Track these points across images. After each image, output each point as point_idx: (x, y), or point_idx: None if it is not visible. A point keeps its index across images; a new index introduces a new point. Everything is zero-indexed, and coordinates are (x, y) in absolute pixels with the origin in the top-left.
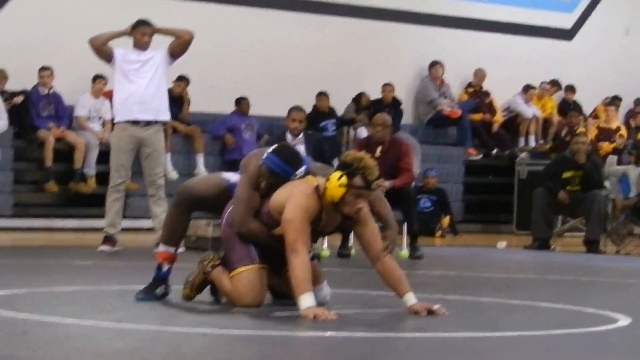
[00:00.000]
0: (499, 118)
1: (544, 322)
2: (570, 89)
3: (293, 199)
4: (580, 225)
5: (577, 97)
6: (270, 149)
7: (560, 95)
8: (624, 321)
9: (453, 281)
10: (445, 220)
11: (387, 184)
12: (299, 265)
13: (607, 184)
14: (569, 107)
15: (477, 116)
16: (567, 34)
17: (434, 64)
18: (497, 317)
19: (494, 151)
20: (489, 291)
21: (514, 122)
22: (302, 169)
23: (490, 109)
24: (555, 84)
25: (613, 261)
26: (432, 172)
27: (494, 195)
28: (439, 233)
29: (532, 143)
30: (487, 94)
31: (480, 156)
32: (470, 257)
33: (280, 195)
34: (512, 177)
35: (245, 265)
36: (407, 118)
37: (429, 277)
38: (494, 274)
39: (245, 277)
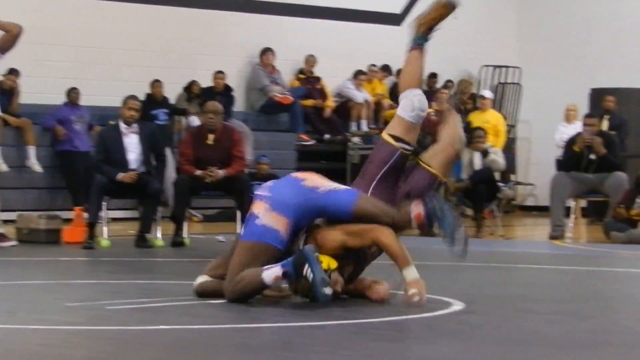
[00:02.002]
0: (331, 103)
1: (378, 308)
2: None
3: None
4: None
5: None
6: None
7: (391, 79)
8: (457, 306)
9: None
10: None
11: (221, 172)
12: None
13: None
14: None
15: (309, 102)
16: (396, 19)
17: (264, 51)
18: (334, 305)
19: (326, 136)
20: None
21: (345, 107)
22: None
23: (322, 94)
24: (386, 68)
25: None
26: (264, 158)
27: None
28: None
29: (364, 127)
30: (318, 79)
31: (312, 142)
32: None
33: None
34: (344, 162)
35: None
36: (238, 105)
37: None
38: None
39: None
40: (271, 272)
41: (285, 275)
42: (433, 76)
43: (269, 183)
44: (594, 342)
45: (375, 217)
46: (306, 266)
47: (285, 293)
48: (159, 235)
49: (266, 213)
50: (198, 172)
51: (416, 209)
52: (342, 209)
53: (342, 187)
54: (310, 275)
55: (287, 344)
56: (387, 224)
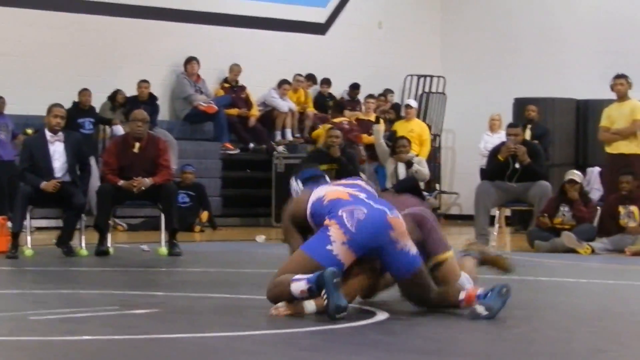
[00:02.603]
0: (255, 112)
1: (304, 319)
2: (326, 82)
3: None
4: None
5: (333, 90)
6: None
7: (315, 89)
8: (380, 315)
9: (213, 278)
10: (204, 215)
11: (147, 181)
12: None
13: (362, 175)
14: (324, 100)
15: (234, 111)
16: (321, 28)
17: (189, 60)
18: (256, 315)
19: (251, 145)
20: (250, 288)
21: (270, 116)
22: None
23: (247, 103)
24: (310, 77)
25: None
26: (189, 167)
27: (252, 189)
28: (198, 228)
29: (289, 136)
30: (242, 88)
31: (237, 151)
32: (230, 253)
33: None
34: (269, 171)
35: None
36: (163, 114)
37: (189, 275)
38: (254, 269)
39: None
40: (299, 286)
41: (309, 290)
42: (355, 87)
43: (361, 209)
44: (517, 351)
45: (426, 288)
46: (324, 290)
47: (297, 310)
48: (83, 244)
49: (341, 246)
50: (121, 183)
51: (471, 290)
52: (403, 270)
53: (415, 249)
54: (325, 301)
55: (206, 354)
56: (432, 299)
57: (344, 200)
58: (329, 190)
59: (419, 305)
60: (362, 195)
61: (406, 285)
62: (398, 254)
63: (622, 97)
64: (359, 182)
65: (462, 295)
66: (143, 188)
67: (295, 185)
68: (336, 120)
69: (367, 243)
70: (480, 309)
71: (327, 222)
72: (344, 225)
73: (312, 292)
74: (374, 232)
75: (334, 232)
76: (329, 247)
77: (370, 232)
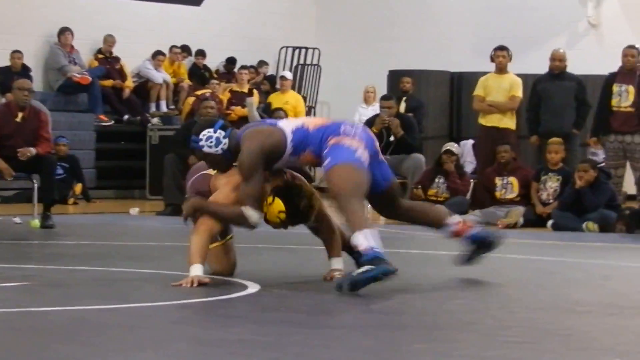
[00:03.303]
0: (130, 84)
1: (175, 292)
2: (201, 53)
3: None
4: None
5: (208, 62)
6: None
7: (190, 60)
8: (252, 288)
9: (86, 251)
10: (78, 188)
11: (33, 150)
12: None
13: None
14: (199, 71)
15: (108, 82)
16: (195, 0)
17: (63, 31)
18: (129, 287)
19: (126, 117)
20: (122, 261)
21: (144, 87)
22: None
23: (121, 75)
24: (185, 49)
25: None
26: (62, 139)
27: (126, 161)
28: (71, 200)
29: (163, 108)
30: (117, 59)
31: (111, 122)
32: (103, 225)
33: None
34: (144, 143)
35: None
36: (36, 85)
37: (62, 247)
38: (127, 242)
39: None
40: (366, 241)
41: (363, 256)
42: (231, 61)
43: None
44: (387, 323)
45: (399, 199)
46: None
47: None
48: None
49: (364, 152)
50: None
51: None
52: (383, 180)
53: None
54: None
55: (76, 326)
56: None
57: (330, 123)
58: (305, 120)
59: (390, 217)
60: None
61: (382, 197)
62: (380, 163)
63: (502, 69)
64: None
65: (452, 223)
66: (28, 155)
67: (217, 134)
68: (198, 92)
69: (370, 150)
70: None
71: (334, 140)
72: (356, 134)
73: (361, 258)
74: (372, 140)
75: (351, 142)
76: (357, 154)
77: (370, 139)
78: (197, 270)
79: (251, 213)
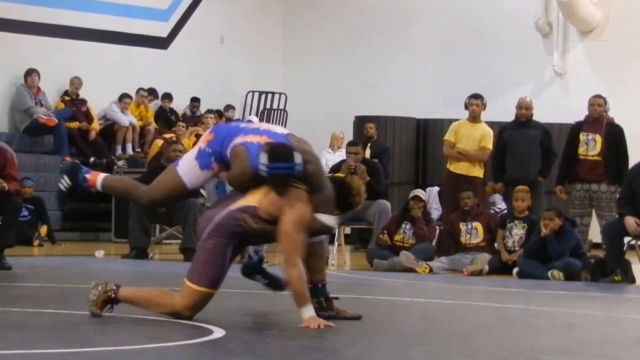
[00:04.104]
0: (96, 126)
1: (139, 335)
2: (167, 97)
3: (291, 209)
4: (176, 233)
5: (174, 105)
6: (261, 158)
7: (156, 103)
8: (217, 333)
9: (49, 293)
10: (43, 229)
11: (5, 185)
12: (297, 278)
13: (203, 192)
14: (165, 115)
15: (74, 124)
16: (162, 43)
17: (29, 72)
18: (92, 331)
19: (92, 159)
20: (84, 304)
21: (111, 130)
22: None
23: (87, 117)
24: (152, 92)
25: None
26: (28, 181)
27: (92, 204)
28: (36, 242)
29: (129, 151)
30: (83, 102)
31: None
32: (68, 268)
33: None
34: None
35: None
36: (2, 126)
37: (25, 289)
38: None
39: (201, 298)
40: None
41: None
42: (195, 100)
43: None
44: None
45: None
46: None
47: None
48: None
49: None
50: None
51: None
52: None
53: None
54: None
55: None
56: None
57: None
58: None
59: None
60: None
61: None
62: None
63: (476, 117)
64: None
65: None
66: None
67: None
68: (167, 135)
69: None
70: None
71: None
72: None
73: None
74: None
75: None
76: None
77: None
78: (312, 311)
79: (325, 218)
